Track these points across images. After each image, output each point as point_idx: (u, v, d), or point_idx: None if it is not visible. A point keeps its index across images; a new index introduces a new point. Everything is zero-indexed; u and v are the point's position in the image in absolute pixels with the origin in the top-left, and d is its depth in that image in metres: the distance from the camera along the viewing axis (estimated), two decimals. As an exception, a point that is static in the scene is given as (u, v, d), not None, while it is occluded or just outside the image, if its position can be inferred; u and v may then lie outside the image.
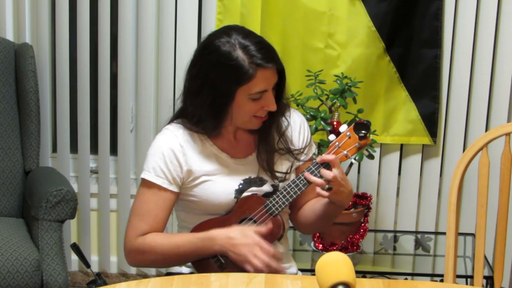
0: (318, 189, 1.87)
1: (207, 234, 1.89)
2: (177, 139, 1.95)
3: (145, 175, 1.95)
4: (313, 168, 1.90)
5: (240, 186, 1.97)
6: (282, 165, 2.03)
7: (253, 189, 1.98)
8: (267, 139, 1.99)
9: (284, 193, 1.93)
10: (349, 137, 1.90)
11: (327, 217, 2.01)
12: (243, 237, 1.86)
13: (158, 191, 1.94)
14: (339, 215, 2.03)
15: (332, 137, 1.93)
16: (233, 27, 1.94)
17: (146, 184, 1.95)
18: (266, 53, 1.87)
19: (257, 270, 1.82)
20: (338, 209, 1.97)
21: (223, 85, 1.87)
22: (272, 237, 1.94)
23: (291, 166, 2.03)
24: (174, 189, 1.95)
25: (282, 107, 2.00)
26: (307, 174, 1.90)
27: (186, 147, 1.95)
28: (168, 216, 1.96)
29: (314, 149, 2.12)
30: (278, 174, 2.01)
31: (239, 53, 1.85)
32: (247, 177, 1.98)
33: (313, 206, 2.04)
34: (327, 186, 1.85)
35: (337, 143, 1.91)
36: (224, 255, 1.91)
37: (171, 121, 2.02)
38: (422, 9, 2.93)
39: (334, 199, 1.91)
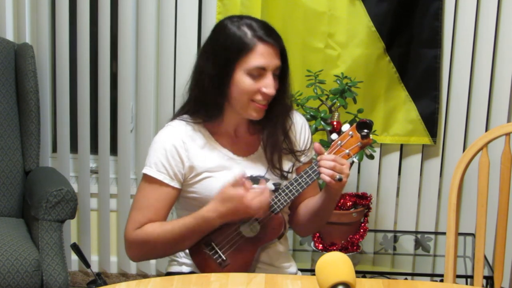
0: (324, 176, 1.87)
1: (200, 218, 1.88)
2: (179, 134, 1.96)
3: (147, 170, 1.95)
4: (316, 167, 1.92)
5: (242, 183, 1.97)
6: (285, 165, 2.03)
7: (255, 187, 1.97)
8: (274, 137, 2.01)
9: (286, 191, 1.93)
10: (351, 136, 1.91)
11: (320, 212, 2.03)
12: (228, 204, 1.85)
13: (159, 186, 1.94)
14: (332, 210, 2.05)
15: (334, 136, 1.94)
16: (244, 15, 2.00)
17: (147, 179, 1.95)
18: (268, 30, 1.92)
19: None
20: (330, 203, 1.99)
21: (224, 56, 1.90)
22: (273, 234, 1.95)
23: (292, 166, 2.04)
24: (176, 185, 1.95)
25: (287, 106, 2.02)
26: (322, 162, 1.89)
27: (188, 143, 1.96)
28: (168, 212, 1.96)
29: (314, 151, 2.12)
30: (283, 173, 2.01)
31: (244, 28, 1.91)
32: (248, 175, 1.98)
33: (307, 204, 2.07)
34: (337, 177, 1.87)
35: (339, 141, 1.92)
36: (224, 253, 1.93)
37: (174, 117, 2.03)
38: (422, 9, 2.93)
39: (331, 186, 1.91)
